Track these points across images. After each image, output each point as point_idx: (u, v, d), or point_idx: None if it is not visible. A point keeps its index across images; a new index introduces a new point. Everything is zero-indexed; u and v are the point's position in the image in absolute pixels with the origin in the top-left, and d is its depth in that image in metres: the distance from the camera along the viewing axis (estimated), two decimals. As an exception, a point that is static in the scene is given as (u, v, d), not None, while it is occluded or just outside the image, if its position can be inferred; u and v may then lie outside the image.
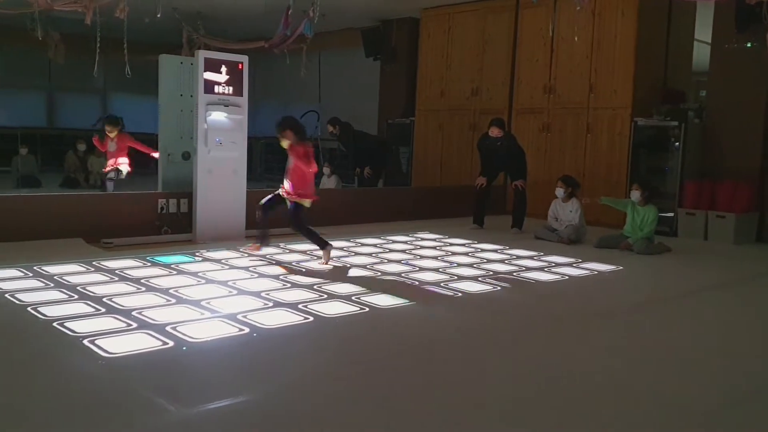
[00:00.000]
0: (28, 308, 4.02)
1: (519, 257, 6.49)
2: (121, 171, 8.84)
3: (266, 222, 5.95)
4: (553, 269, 5.95)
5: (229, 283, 4.85)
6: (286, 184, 5.75)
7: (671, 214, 8.53)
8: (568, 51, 9.48)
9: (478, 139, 8.71)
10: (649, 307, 4.87)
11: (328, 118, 12.74)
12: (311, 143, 6.19)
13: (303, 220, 5.75)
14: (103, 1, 8.09)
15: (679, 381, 3.31)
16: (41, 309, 4.00)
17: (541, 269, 5.93)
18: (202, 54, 6.72)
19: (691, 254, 7.30)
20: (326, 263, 5.69)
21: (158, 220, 6.83)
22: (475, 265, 5.98)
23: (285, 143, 5.73)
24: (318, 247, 5.78)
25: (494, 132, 8.13)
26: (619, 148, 8.99)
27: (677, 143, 8.49)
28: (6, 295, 4.29)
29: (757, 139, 8.28)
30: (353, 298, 4.57)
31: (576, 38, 8.80)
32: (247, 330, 3.76)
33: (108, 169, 8.90)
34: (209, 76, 6.63)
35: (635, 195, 7.03)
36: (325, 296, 4.59)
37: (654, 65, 9.22)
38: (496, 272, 5.69)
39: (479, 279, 5.39)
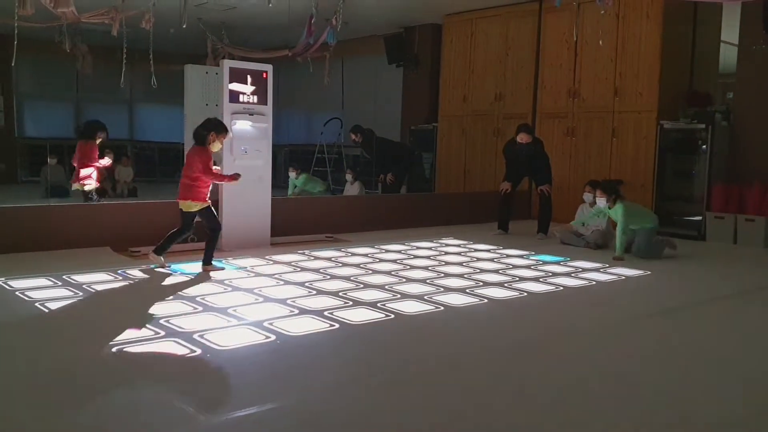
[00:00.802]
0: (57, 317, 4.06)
1: (545, 263, 6.44)
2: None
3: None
4: (580, 275, 5.90)
5: (255, 291, 4.88)
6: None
7: (699, 218, 8.42)
8: (592, 54, 9.41)
9: (504, 144, 8.65)
10: (675, 314, 4.79)
11: (351, 125, 12.78)
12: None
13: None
14: (129, 12, 8.21)
15: (703, 390, 3.25)
16: (68, 314, 4.05)
17: (567, 275, 5.87)
18: (228, 64, 6.77)
19: (721, 259, 7.19)
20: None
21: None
22: (500, 271, 5.94)
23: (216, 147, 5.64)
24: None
25: (523, 138, 8.04)
26: (645, 151, 8.89)
27: (704, 146, 8.39)
28: (36, 304, 4.35)
29: (786, 140, 8.16)
30: (379, 305, 4.57)
31: (600, 42, 8.74)
32: (273, 337, 3.77)
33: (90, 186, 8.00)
34: (235, 87, 6.68)
35: (602, 202, 6.81)
36: (351, 303, 4.60)
37: (679, 68, 9.12)
38: (522, 278, 5.66)
39: (505, 285, 5.36)
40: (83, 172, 7.86)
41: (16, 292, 4.66)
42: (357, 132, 10.67)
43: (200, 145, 5.51)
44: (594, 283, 5.62)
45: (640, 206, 7.25)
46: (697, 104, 8.91)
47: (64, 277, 5.15)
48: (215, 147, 5.59)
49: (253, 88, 6.80)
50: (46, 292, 4.70)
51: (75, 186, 8.03)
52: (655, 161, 8.77)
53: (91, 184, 7.94)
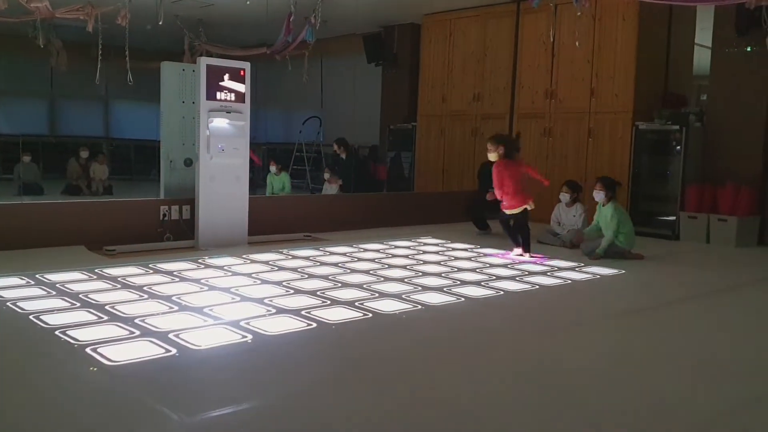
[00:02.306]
0: (30, 317, 4.01)
1: (522, 262, 6.48)
2: None
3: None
4: (556, 273, 5.95)
5: (232, 290, 4.85)
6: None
7: (673, 218, 8.53)
8: (569, 56, 9.49)
9: (479, 166, 8.59)
10: (648, 312, 4.85)
11: (330, 123, 12.79)
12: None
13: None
14: (104, 8, 8.12)
15: (679, 386, 3.30)
16: (43, 317, 4.00)
17: (543, 273, 5.92)
18: (204, 61, 6.73)
19: (693, 258, 7.30)
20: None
21: (160, 227, 6.84)
22: (477, 270, 5.97)
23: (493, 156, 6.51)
24: None
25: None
26: (621, 152, 8.99)
27: (678, 147, 8.50)
28: (8, 304, 4.29)
29: (758, 142, 8.30)
30: (356, 303, 4.57)
31: (577, 43, 8.81)
32: (250, 337, 3.76)
33: None
34: (229, 84, 6.66)
35: (598, 196, 6.78)
36: (328, 302, 4.59)
37: (655, 69, 9.23)
38: (498, 276, 5.69)
39: (482, 284, 5.39)
40: None
41: (-12, 292, 4.60)
42: (341, 145, 10.68)
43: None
44: (569, 281, 5.67)
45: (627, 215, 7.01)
46: (672, 106, 9.04)
47: (37, 276, 5.08)
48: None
49: (244, 85, 6.78)
50: (18, 291, 4.64)
51: None
52: (630, 162, 8.86)
53: None
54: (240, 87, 6.81)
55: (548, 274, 5.93)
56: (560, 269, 6.17)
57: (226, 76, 6.73)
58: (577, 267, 6.29)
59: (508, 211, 6.69)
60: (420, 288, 5.15)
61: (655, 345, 4.01)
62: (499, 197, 6.72)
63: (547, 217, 7.91)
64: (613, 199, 6.73)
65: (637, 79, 8.90)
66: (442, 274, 5.72)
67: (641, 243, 7.19)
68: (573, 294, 5.33)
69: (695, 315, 4.87)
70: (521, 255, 6.68)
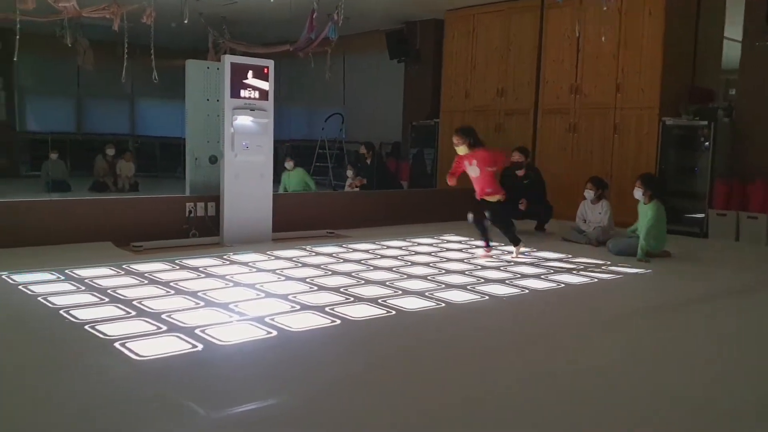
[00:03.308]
0: (60, 311, 4.07)
1: (547, 259, 6.43)
2: None
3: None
4: (582, 272, 5.90)
5: (257, 286, 4.88)
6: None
7: (701, 215, 8.41)
8: (594, 50, 9.39)
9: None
10: (675, 310, 4.79)
11: (352, 121, 12.76)
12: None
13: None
14: (130, 7, 8.20)
15: (701, 386, 3.26)
16: (73, 312, 4.05)
17: (569, 272, 5.87)
18: (229, 59, 6.76)
19: (722, 256, 7.19)
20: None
21: (186, 224, 6.89)
22: (501, 268, 5.94)
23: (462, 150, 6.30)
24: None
25: (515, 156, 7.98)
26: (647, 148, 8.88)
27: (706, 143, 8.37)
28: (39, 299, 4.36)
29: (789, 137, 8.14)
30: (380, 301, 4.57)
31: (603, 38, 8.72)
32: (275, 333, 3.77)
33: None
34: (252, 81, 6.70)
35: (637, 193, 6.66)
36: (352, 299, 4.60)
37: (682, 64, 9.10)
38: (523, 275, 5.66)
39: (506, 282, 5.36)
40: None
41: (19, 287, 4.67)
42: (370, 150, 10.57)
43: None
44: (596, 280, 5.62)
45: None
46: (700, 101, 8.90)
47: (66, 271, 5.15)
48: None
49: (267, 83, 6.81)
50: (49, 286, 4.70)
51: None
52: (657, 158, 8.75)
53: None
54: (264, 84, 6.84)
55: (574, 272, 5.88)
56: (586, 267, 6.11)
57: (250, 74, 6.76)
58: (603, 265, 6.23)
59: (490, 198, 6.38)
60: (443, 285, 5.14)
61: (681, 344, 3.96)
62: (482, 187, 6.44)
63: (572, 214, 7.84)
64: (654, 197, 6.58)
65: (663, 73, 8.78)
66: (466, 272, 5.70)
67: (668, 241, 7.09)
68: (599, 292, 5.28)
69: (724, 314, 4.80)
70: (512, 254, 6.50)
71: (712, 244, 7.84)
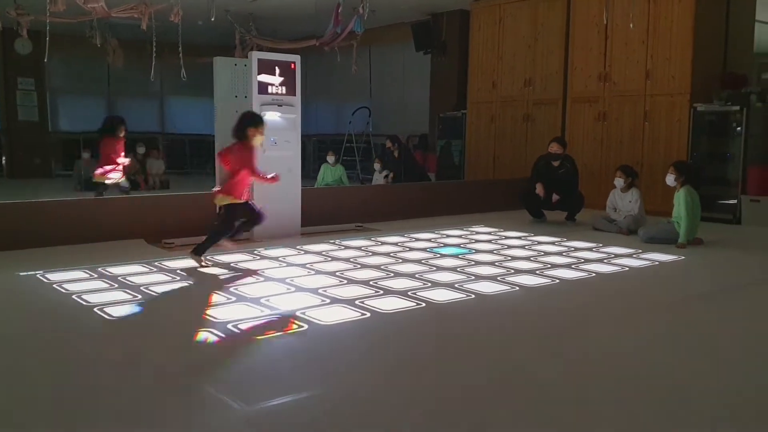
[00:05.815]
0: (95, 309, 4.14)
1: (577, 249, 6.38)
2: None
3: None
4: (613, 261, 5.84)
5: (287, 281, 4.92)
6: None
7: (734, 201, 8.27)
8: (622, 37, 9.27)
9: (535, 160, 8.40)
10: (705, 300, 4.73)
11: (379, 114, 12.72)
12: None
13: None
14: (158, 6, 8.29)
15: (725, 377, 3.21)
16: (107, 309, 4.12)
17: (600, 261, 5.82)
18: (256, 55, 6.80)
19: (756, 243, 7.06)
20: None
21: (217, 220, 6.95)
22: (532, 258, 5.91)
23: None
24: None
25: (554, 148, 7.95)
26: (679, 135, 8.75)
27: (739, 128, 8.23)
28: (73, 296, 4.44)
29: (825, 121, 7.96)
30: (409, 293, 4.57)
31: (632, 25, 8.59)
32: (306, 327, 3.80)
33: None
34: (264, 78, 6.72)
35: (669, 179, 6.60)
36: (382, 292, 4.61)
37: (713, 49, 8.93)
38: (553, 264, 5.62)
39: (536, 272, 5.33)
40: (108, 166, 8.19)
41: (54, 285, 4.76)
42: (395, 143, 10.65)
43: (242, 140, 5.40)
44: (627, 269, 5.56)
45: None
46: (732, 86, 8.73)
47: (99, 269, 5.24)
48: (257, 141, 5.47)
49: (281, 79, 6.82)
50: (82, 284, 4.79)
51: (97, 179, 8.28)
52: (688, 145, 8.62)
53: (115, 177, 8.21)
54: (291, 80, 6.86)
55: (605, 261, 5.83)
56: (617, 256, 6.05)
57: (277, 70, 6.79)
58: (635, 254, 6.16)
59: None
60: (473, 277, 5.13)
61: (717, 332, 3.90)
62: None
63: (602, 203, 7.76)
64: (686, 184, 6.52)
65: (694, 59, 8.63)
66: (496, 263, 5.68)
67: (700, 227, 6.98)
68: (632, 281, 5.23)
69: (759, 301, 4.72)
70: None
71: (746, 231, 7.71)
